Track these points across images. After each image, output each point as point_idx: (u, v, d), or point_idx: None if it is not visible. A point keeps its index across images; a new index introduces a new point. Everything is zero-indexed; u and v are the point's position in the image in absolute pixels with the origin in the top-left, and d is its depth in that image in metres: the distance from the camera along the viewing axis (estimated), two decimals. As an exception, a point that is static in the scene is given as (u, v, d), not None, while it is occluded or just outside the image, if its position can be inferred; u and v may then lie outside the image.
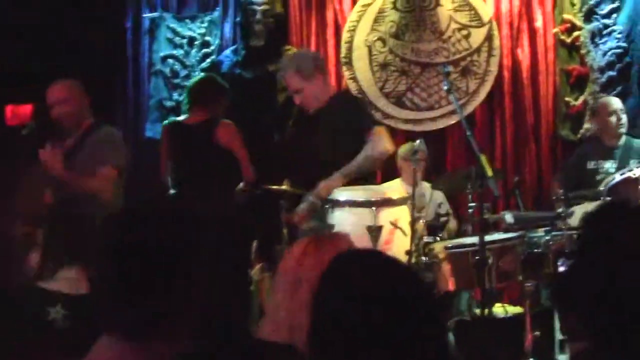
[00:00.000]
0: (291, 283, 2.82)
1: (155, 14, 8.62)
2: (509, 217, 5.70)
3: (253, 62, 8.30)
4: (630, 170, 5.63)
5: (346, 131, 5.52)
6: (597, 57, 7.81)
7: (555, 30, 7.95)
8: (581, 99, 7.84)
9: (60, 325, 3.46)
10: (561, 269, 5.25)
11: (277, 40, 8.37)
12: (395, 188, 6.62)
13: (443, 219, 6.69)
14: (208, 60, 8.49)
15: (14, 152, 6.27)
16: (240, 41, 8.41)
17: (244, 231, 6.47)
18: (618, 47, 7.76)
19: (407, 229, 5.60)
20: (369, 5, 8.30)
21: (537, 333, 5.20)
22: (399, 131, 8.20)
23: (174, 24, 8.57)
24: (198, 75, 7.21)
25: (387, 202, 5.66)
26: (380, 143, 5.57)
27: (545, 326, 5.35)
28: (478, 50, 8.09)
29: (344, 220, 5.59)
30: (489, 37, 8.06)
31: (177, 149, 6.49)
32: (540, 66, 7.98)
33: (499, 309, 6.22)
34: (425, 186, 6.84)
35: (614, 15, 7.80)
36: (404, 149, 7.24)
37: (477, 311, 6.11)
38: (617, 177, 5.65)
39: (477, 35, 8.09)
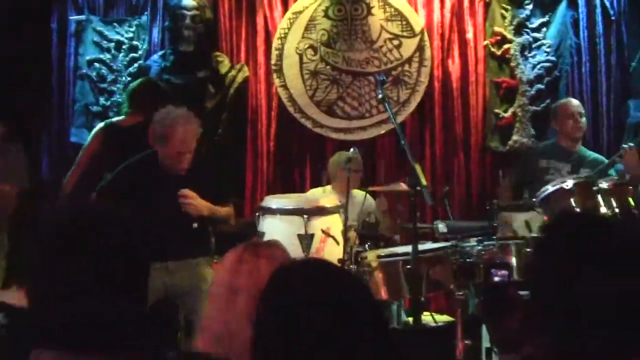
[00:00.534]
0: (227, 292, 2.78)
1: (81, 17, 8.45)
2: (441, 227, 5.69)
3: (182, 68, 8.18)
4: (563, 182, 5.63)
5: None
6: (526, 70, 7.89)
7: (486, 42, 8.00)
8: (510, 111, 7.89)
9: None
10: (495, 279, 5.24)
11: (206, 46, 8.26)
12: (327, 196, 6.56)
13: (373, 228, 6.65)
14: (136, 64, 8.35)
15: None
16: (169, 46, 8.29)
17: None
18: (547, 61, 7.86)
19: (340, 238, 5.58)
20: (300, 12, 8.25)
21: (468, 342, 5.18)
22: (329, 140, 8.17)
23: (101, 27, 8.41)
24: (140, 79, 7.01)
25: (320, 211, 5.65)
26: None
27: (473, 335, 5.35)
28: (409, 60, 8.09)
29: (275, 228, 5.57)
30: (420, 48, 8.07)
31: (113, 153, 6.31)
32: (470, 77, 8.02)
33: (428, 317, 6.21)
34: (358, 194, 6.81)
35: (544, 30, 7.91)
36: (338, 157, 7.18)
37: (408, 320, 6.10)
38: (550, 188, 5.65)
39: (409, 46, 8.09)
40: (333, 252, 5.49)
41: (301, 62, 8.23)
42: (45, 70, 8.49)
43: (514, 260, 5.43)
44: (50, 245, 2.01)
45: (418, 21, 8.07)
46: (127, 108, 6.48)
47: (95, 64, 8.40)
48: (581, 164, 6.60)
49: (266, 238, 5.29)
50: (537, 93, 7.86)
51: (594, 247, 2.30)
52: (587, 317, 2.25)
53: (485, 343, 5.40)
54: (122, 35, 8.42)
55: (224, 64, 8.23)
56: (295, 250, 5.09)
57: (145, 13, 8.44)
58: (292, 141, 8.29)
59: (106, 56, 8.40)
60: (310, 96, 8.20)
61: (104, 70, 8.38)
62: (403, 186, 5.76)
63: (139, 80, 6.95)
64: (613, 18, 7.77)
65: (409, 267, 5.19)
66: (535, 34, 7.90)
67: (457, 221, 6.35)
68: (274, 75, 8.23)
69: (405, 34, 8.09)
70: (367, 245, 6.12)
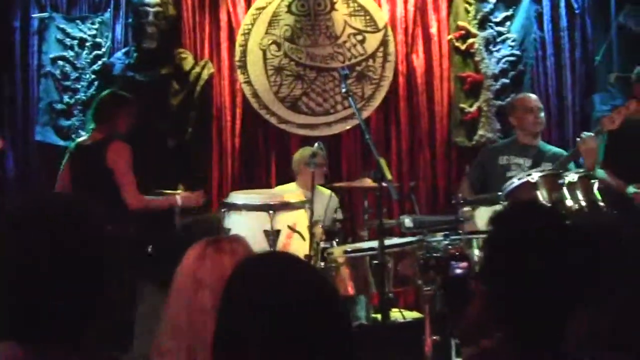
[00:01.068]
0: (190, 286, 2.78)
1: (44, 14, 8.40)
2: (408, 221, 5.66)
3: (145, 65, 8.13)
4: (529, 175, 5.63)
5: None
6: (491, 64, 7.89)
7: (450, 37, 7.99)
8: (475, 105, 7.89)
9: None
10: (456, 271, 5.25)
11: (170, 42, 8.23)
12: (292, 192, 6.53)
13: (339, 224, 6.64)
14: (99, 62, 8.31)
15: None
16: (132, 43, 8.23)
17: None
18: (511, 55, 7.85)
19: (305, 233, 5.56)
20: (263, 8, 8.21)
21: (437, 337, 5.17)
22: (294, 136, 8.14)
23: (63, 25, 8.37)
24: (99, 94, 6.81)
25: (285, 206, 5.63)
26: None
27: (442, 331, 5.33)
28: (373, 55, 8.08)
29: (240, 224, 5.54)
30: (384, 43, 8.06)
31: (71, 173, 6.27)
32: (435, 72, 8.02)
33: (396, 314, 6.19)
34: (322, 190, 6.79)
35: (508, 24, 7.90)
36: (302, 153, 7.18)
37: (376, 316, 6.09)
38: (516, 182, 5.64)
39: (373, 41, 8.08)
40: (299, 248, 5.48)
41: (265, 58, 8.20)
42: (9, 68, 8.42)
43: (477, 255, 5.43)
44: (9, 237, 2.02)
45: (382, 16, 8.06)
46: (90, 125, 6.36)
47: (59, 61, 8.36)
48: (542, 158, 6.52)
49: (232, 234, 5.26)
50: (502, 87, 7.84)
51: (537, 237, 2.36)
52: (536, 307, 2.33)
53: (455, 339, 5.38)
54: (85, 33, 8.37)
55: (188, 60, 8.20)
56: (261, 246, 5.08)
57: (108, 10, 8.41)
58: (257, 137, 8.26)
59: (69, 54, 8.36)
60: (275, 92, 8.17)
61: (68, 68, 8.34)
62: (368, 182, 5.74)
63: (97, 97, 6.69)
64: (577, 12, 7.78)
65: (375, 262, 5.18)
66: (500, 28, 7.89)
67: (424, 216, 6.33)
68: (238, 72, 8.21)
69: (369, 29, 8.08)
70: (334, 242, 6.11)
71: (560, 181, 5.47)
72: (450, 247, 5.38)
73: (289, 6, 8.17)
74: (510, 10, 7.88)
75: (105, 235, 2.14)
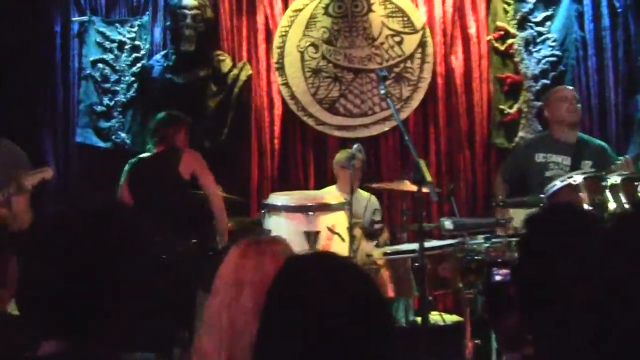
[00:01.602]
0: (232, 287, 2.78)
1: (84, 18, 8.49)
2: (448, 224, 5.61)
3: (184, 67, 8.19)
4: (570, 177, 5.55)
5: None
6: (530, 64, 7.83)
7: (489, 37, 7.94)
8: (515, 107, 7.84)
9: None
10: (496, 278, 5.19)
11: (207, 45, 8.26)
12: (332, 194, 6.51)
13: (378, 225, 6.62)
14: (138, 64, 8.37)
15: None
16: (171, 46, 8.28)
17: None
18: (552, 55, 7.79)
19: (345, 235, 5.54)
20: (300, 10, 8.22)
21: (478, 341, 5.12)
22: (332, 138, 8.13)
23: (103, 28, 8.44)
24: (158, 115, 6.73)
25: (324, 208, 5.62)
26: None
27: (482, 334, 5.29)
28: (411, 56, 8.05)
29: (280, 225, 5.54)
30: (422, 44, 8.03)
31: (132, 186, 6.33)
32: (474, 73, 7.97)
33: (436, 317, 6.16)
34: (361, 193, 6.77)
35: (548, 23, 7.83)
36: (340, 155, 7.14)
37: (415, 319, 6.06)
38: (558, 184, 5.56)
39: (410, 42, 8.06)
40: (339, 250, 5.46)
41: (303, 60, 8.20)
42: (50, 71, 8.50)
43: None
44: (52, 238, 2.05)
45: (419, 17, 8.03)
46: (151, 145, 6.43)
47: (99, 64, 8.44)
48: (581, 156, 6.35)
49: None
50: (542, 88, 7.74)
51: (569, 242, 2.30)
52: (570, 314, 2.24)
53: (495, 343, 5.34)
54: (124, 36, 8.44)
55: (226, 62, 8.22)
56: (300, 248, 5.05)
57: (147, 13, 8.46)
58: (295, 139, 8.25)
59: (109, 56, 8.43)
60: (313, 94, 8.17)
61: (107, 71, 8.41)
62: (407, 184, 5.71)
63: (157, 118, 6.70)
64: (619, 11, 7.67)
65: (417, 264, 5.14)
66: (539, 28, 7.83)
67: (463, 218, 6.27)
68: (276, 74, 8.22)
69: (406, 30, 8.06)
70: (373, 244, 6.10)
71: (603, 183, 5.40)
72: (490, 249, 5.32)
73: (326, 8, 8.17)
74: (550, 10, 7.82)
75: (148, 238, 2.15)
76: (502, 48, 7.91)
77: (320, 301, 1.86)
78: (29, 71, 8.17)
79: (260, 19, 8.31)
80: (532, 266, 2.36)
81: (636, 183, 5.50)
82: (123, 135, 8.27)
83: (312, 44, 8.21)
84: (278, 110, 8.22)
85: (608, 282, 2.20)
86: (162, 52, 8.34)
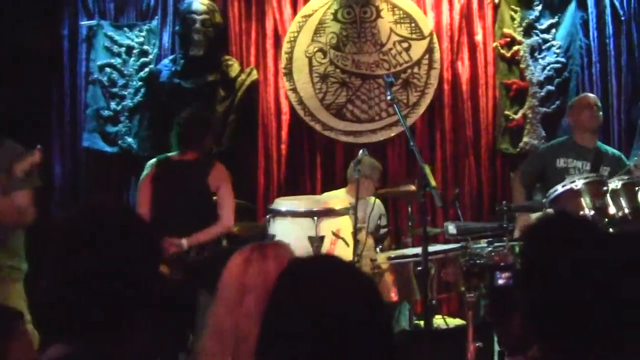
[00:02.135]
0: (236, 292, 2.80)
1: (92, 22, 8.48)
2: (451, 228, 5.66)
3: (192, 72, 8.18)
4: (572, 182, 5.60)
5: None
6: (536, 71, 7.88)
7: (495, 44, 7.99)
8: (520, 112, 7.89)
9: None
10: (500, 282, 5.23)
11: (216, 50, 8.27)
12: (338, 198, 6.54)
13: (383, 230, 6.67)
14: (146, 69, 8.38)
15: None
16: (179, 50, 8.30)
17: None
18: (557, 62, 7.85)
19: (349, 239, 5.58)
20: (309, 16, 8.25)
21: (480, 344, 5.17)
22: (339, 143, 8.17)
23: (111, 32, 8.44)
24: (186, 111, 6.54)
25: (329, 212, 5.64)
26: None
27: (485, 337, 5.33)
28: (418, 62, 8.09)
29: (285, 230, 5.56)
30: (429, 50, 8.07)
31: (156, 186, 6.19)
32: (480, 80, 8.01)
33: (439, 321, 6.20)
34: (367, 197, 6.81)
35: (553, 31, 7.90)
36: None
37: (419, 322, 6.10)
38: (560, 189, 5.62)
39: (418, 48, 8.10)
40: (343, 254, 5.48)
41: (311, 66, 8.23)
42: (57, 75, 8.53)
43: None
44: (60, 242, 2.09)
45: (427, 23, 8.08)
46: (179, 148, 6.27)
47: (107, 68, 8.42)
48: (601, 161, 6.46)
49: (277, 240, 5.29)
50: (547, 94, 7.85)
51: (578, 249, 2.33)
52: (575, 318, 2.28)
53: (497, 346, 5.38)
54: (133, 40, 8.44)
55: (234, 67, 8.24)
56: (305, 252, 5.09)
57: (156, 17, 8.47)
58: (303, 144, 8.29)
59: (117, 61, 8.43)
60: (320, 99, 8.20)
61: (115, 75, 8.41)
62: (412, 188, 5.75)
63: (183, 116, 6.42)
64: (623, 18, 7.74)
65: (419, 268, 5.19)
66: (545, 35, 7.89)
67: (468, 223, 6.32)
68: (284, 79, 8.24)
69: (414, 36, 8.10)
70: (378, 248, 6.13)
71: (604, 188, 5.45)
72: (494, 254, 5.37)
73: (334, 14, 8.21)
74: (556, 17, 7.88)
75: (153, 241, 2.19)
76: (508, 55, 7.96)
77: (322, 305, 1.89)
78: (37, 75, 8.17)
79: (269, 25, 8.34)
80: (533, 271, 2.39)
81: (637, 188, 5.55)
82: (130, 140, 8.27)
83: (321, 50, 8.25)
84: (285, 116, 8.25)
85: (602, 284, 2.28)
86: (171, 57, 8.34)
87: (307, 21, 8.25)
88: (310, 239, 5.48)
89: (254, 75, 8.26)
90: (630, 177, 5.70)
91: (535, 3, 7.93)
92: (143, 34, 8.45)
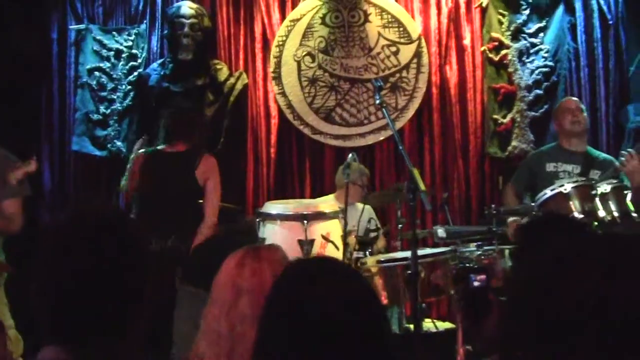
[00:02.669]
0: (230, 294, 2.80)
1: (81, 26, 8.51)
2: (441, 232, 5.68)
3: (181, 76, 8.20)
4: (562, 186, 5.61)
5: None
6: (524, 75, 7.89)
7: (483, 48, 8.01)
8: (509, 116, 7.89)
9: None
10: (474, 284, 5.24)
11: (205, 54, 8.29)
12: (328, 202, 6.56)
13: (373, 234, 6.67)
14: (135, 73, 8.39)
15: None
16: (168, 54, 8.32)
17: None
18: (545, 66, 7.86)
19: (339, 243, 5.58)
20: (297, 20, 8.27)
21: (470, 347, 5.18)
22: (328, 147, 8.19)
23: (100, 36, 8.46)
24: (174, 111, 6.63)
25: (319, 216, 5.65)
26: None
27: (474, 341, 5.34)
28: (407, 66, 8.11)
29: (275, 234, 5.57)
30: (417, 54, 8.09)
31: (144, 175, 6.22)
32: (468, 84, 8.03)
33: (429, 324, 6.21)
34: (358, 204, 6.82)
35: (541, 35, 7.91)
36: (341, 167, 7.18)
37: (408, 326, 6.10)
38: (549, 193, 5.63)
39: (406, 52, 8.12)
40: (333, 258, 5.49)
41: (299, 70, 8.25)
42: (46, 79, 8.53)
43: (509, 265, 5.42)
44: (52, 247, 2.09)
45: (415, 27, 8.10)
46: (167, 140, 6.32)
47: (95, 72, 8.46)
48: (591, 165, 6.38)
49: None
50: (535, 98, 7.85)
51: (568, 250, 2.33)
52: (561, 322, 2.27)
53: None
54: (122, 44, 8.46)
55: (223, 71, 8.26)
56: (295, 256, 5.08)
57: (144, 22, 8.49)
58: (292, 148, 8.30)
59: (106, 65, 8.45)
60: (309, 103, 8.22)
61: (104, 79, 8.43)
62: (401, 193, 5.77)
63: (173, 112, 6.57)
64: (611, 22, 7.76)
65: (409, 272, 5.19)
66: (533, 39, 7.91)
67: (456, 226, 6.33)
68: (273, 83, 8.26)
69: (402, 40, 8.12)
70: (367, 252, 6.14)
71: (593, 192, 5.46)
72: (483, 257, 5.39)
73: (323, 18, 8.23)
74: (544, 21, 7.90)
75: (144, 243, 2.20)
76: (496, 59, 7.97)
77: (319, 306, 1.90)
78: (25, 79, 8.17)
79: (257, 29, 8.36)
80: (523, 274, 2.40)
81: (625, 192, 5.57)
82: (119, 143, 8.29)
83: (309, 54, 8.26)
84: (274, 119, 8.26)
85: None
86: (159, 61, 8.36)
87: (296, 25, 8.27)
88: (300, 242, 5.48)
89: (245, 79, 8.28)
90: (619, 181, 5.71)
91: (523, 7, 7.94)
92: (132, 37, 8.48)
